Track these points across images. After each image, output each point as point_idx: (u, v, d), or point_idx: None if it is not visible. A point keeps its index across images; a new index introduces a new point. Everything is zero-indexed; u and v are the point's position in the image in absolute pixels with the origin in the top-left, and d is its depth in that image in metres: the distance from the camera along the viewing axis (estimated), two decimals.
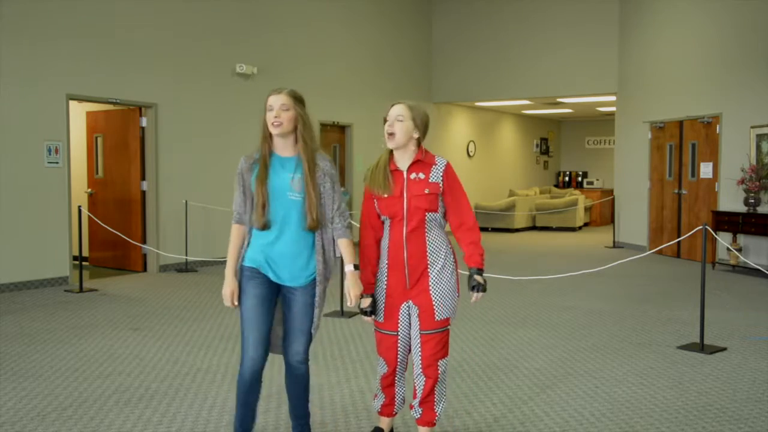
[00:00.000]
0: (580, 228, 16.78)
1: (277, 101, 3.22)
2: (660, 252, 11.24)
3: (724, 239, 9.72)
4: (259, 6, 10.89)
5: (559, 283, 8.44)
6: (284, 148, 3.27)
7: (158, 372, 4.96)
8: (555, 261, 10.89)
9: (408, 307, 3.33)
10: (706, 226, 5.74)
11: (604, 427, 3.90)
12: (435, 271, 3.28)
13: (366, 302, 3.38)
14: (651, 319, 6.70)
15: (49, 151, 8.38)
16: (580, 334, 6.10)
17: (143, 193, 9.61)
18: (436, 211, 3.29)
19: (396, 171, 3.30)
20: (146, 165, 9.57)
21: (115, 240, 9.48)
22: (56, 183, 8.47)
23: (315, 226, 3.22)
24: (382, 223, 3.36)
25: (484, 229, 16.26)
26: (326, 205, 3.26)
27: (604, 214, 17.88)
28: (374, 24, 13.35)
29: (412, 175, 3.27)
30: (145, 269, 9.72)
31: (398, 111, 3.28)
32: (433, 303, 3.28)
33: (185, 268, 9.77)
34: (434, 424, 3.41)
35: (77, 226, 8.58)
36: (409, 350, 3.43)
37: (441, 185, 3.27)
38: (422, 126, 3.31)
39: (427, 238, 3.28)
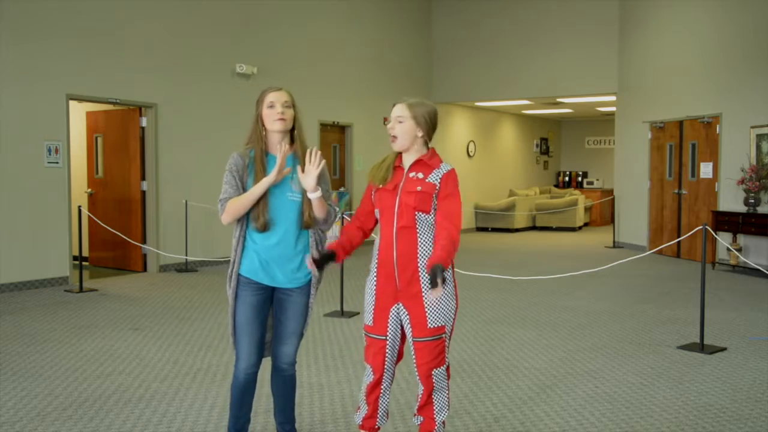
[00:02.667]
0: (580, 228, 16.78)
1: (280, 98, 3.19)
2: (660, 252, 11.24)
3: (724, 239, 9.72)
4: (259, 6, 10.89)
5: (559, 283, 8.44)
6: (280, 148, 3.25)
7: (158, 372, 4.96)
8: (555, 261, 10.88)
9: (398, 311, 3.20)
10: (706, 226, 5.74)
11: (604, 428, 3.90)
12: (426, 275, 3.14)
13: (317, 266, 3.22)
14: (651, 319, 6.70)
15: (49, 151, 8.38)
16: (580, 334, 6.10)
17: (143, 193, 9.61)
18: (428, 212, 3.15)
19: (398, 167, 3.24)
20: (146, 165, 9.57)
21: (115, 240, 9.48)
22: (56, 183, 8.47)
23: (311, 223, 3.22)
24: (374, 219, 3.30)
25: (483, 229, 16.29)
26: None
27: (604, 214, 17.88)
28: (374, 24, 13.35)
29: (411, 174, 3.19)
30: (145, 269, 9.72)
31: (398, 111, 3.18)
32: (425, 309, 3.15)
33: (185, 268, 9.77)
34: None
35: (77, 226, 8.58)
36: (397, 359, 3.32)
37: (438, 186, 3.15)
38: (426, 123, 3.19)
39: (418, 239, 3.15)
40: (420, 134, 3.18)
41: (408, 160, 3.23)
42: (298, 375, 4.82)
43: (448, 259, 3.04)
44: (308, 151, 3.16)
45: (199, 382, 4.71)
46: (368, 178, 3.31)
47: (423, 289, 3.15)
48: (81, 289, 8.13)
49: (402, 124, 3.16)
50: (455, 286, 3.25)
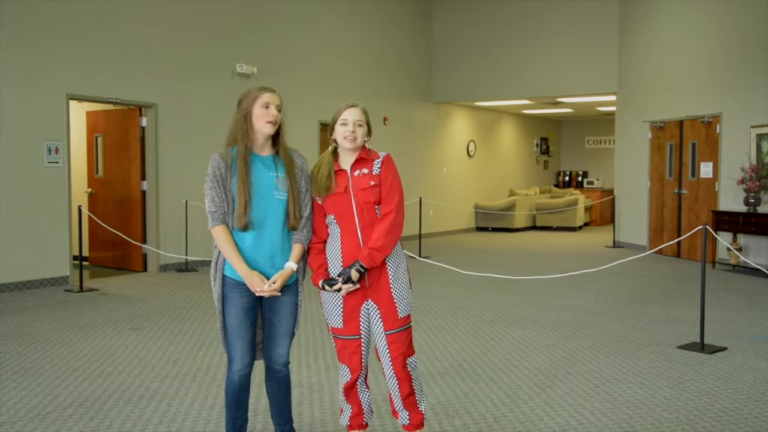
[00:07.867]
0: (580, 228, 16.78)
1: (275, 100, 3.23)
2: (660, 252, 11.24)
3: (724, 239, 9.72)
4: (259, 5, 10.89)
5: (559, 283, 8.44)
6: (263, 147, 3.26)
7: (158, 372, 4.96)
8: (555, 261, 10.88)
9: (368, 308, 3.28)
10: (706, 226, 5.74)
11: (604, 427, 3.90)
12: (392, 267, 3.26)
13: (333, 286, 3.23)
14: (651, 319, 6.70)
15: (49, 150, 8.38)
16: (580, 333, 6.10)
17: (143, 192, 9.61)
18: None
19: (340, 171, 3.30)
20: (146, 165, 9.57)
21: (115, 240, 9.48)
22: (56, 183, 8.47)
23: (296, 225, 3.23)
24: (326, 226, 3.31)
25: (484, 229, 16.29)
26: (303, 203, 3.27)
27: (604, 214, 17.88)
28: (374, 24, 13.35)
29: (356, 172, 3.27)
30: (145, 269, 9.72)
31: (358, 115, 3.30)
32: (395, 300, 3.25)
33: (185, 268, 9.77)
34: (423, 425, 3.38)
35: (77, 226, 8.58)
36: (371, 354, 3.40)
37: (380, 175, 3.27)
38: (370, 129, 3.38)
39: None
40: (367, 139, 3.36)
41: (347, 161, 3.32)
42: (299, 375, 4.84)
43: (378, 255, 3.17)
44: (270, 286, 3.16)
45: (199, 382, 4.71)
46: (313, 193, 3.30)
47: (390, 281, 3.25)
48: (81, 289, 8.14)
49: (361, 128, 3.32)
50: (410, 277, 3.36)
